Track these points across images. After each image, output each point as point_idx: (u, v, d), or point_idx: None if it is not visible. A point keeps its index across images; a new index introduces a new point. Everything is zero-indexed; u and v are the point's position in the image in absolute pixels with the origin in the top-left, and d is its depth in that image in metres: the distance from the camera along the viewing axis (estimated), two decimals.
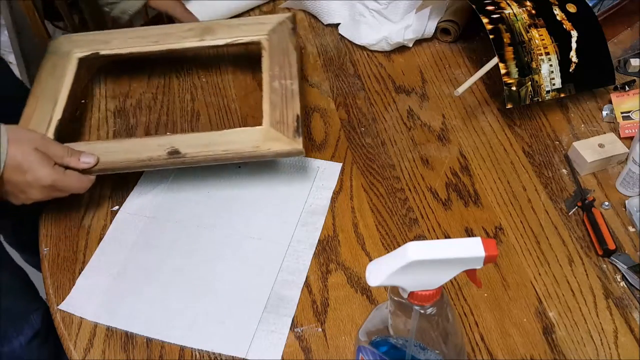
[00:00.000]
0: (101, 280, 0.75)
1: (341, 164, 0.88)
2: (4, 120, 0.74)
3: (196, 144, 0.81)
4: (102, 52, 0.96)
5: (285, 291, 0.74)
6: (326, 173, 0.86)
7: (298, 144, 0.80)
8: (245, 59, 1.04)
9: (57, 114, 0.86)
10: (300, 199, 0.83)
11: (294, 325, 0.71)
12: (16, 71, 1.73)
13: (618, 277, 0.74)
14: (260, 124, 0.83)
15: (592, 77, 0.94)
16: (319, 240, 0.79)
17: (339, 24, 1.09)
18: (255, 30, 0.96)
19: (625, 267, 0.74)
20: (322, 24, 1.11)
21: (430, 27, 1.05)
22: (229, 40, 0.96)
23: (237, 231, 0.80)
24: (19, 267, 1.02)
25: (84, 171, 0.78)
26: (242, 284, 0.75)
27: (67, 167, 0.76)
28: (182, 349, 0.70)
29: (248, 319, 0.71)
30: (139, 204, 0.83)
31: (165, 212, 0.82)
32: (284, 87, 0.87)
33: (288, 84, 0.87)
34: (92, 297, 0.74)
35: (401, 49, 1.05)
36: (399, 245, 0.50)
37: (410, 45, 1.05)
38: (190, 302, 0.73)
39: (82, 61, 0.96)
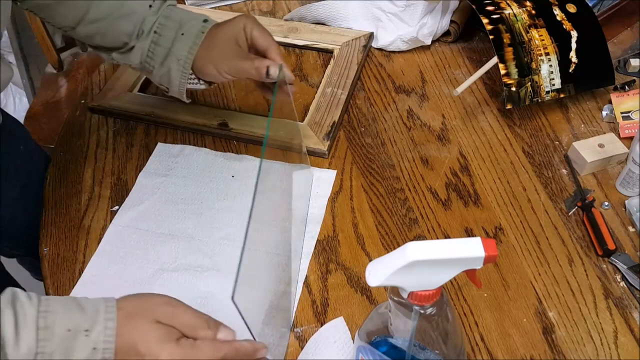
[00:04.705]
0: (95, 295, 0.70)
1: (335, 171, 0.87)
2: None
3: (243, 123, 0.91)
4: None
5: (283, 302, 0.72)
6: (321, 181, 0.85)
7: (323, 146, 0.88)
8: None
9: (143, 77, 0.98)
10: (295, 208, 0.82)
11: (294, 325, 0.71)
12: (16, 71, 1.73)
13: (618, 277, 0.74)
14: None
15: (592, 77, 0.94)
16: (318, 240, 0.79)
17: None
18: (333, 40, 1.05)
19: (625, 267, 0.74)
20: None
21: (444, 23, 1.03)
22: (307, 43, 1.06)
23: (231, 242, 0.79)
24: None
25: None
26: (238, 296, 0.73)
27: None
28: None
29: (245, 332, 0.70)
30: (131, 216, 0.82)
31: (158, 224, 0.81)
32: (333, 94, 0.96)
33: (338, 93, 0.96)
34: None
35: None
36: (399, 245, 0.50)
37: (428, 42, 1.04)
38: None
39: None
